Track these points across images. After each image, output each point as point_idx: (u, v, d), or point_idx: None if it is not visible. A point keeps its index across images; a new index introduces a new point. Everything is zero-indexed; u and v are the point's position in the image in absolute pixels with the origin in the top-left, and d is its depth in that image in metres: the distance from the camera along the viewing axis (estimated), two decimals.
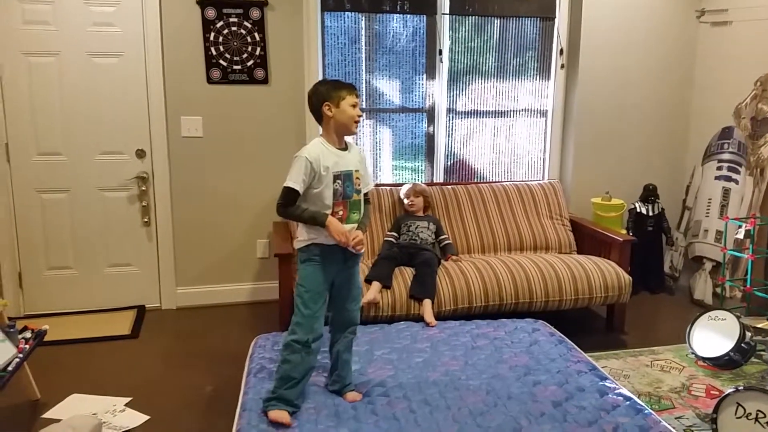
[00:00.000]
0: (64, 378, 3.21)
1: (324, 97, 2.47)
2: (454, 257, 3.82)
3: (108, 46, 3.85)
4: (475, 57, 4.46)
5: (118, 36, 3.86)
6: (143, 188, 4.03)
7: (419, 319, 3.40)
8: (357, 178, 2.53)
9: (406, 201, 4.00)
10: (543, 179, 4.66)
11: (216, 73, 3.98)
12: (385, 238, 3.91)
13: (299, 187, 2.41)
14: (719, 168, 4.31)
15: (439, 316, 3.45)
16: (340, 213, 2.48)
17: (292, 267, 3.50)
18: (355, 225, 2.54)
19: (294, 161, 2.45)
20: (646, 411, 2.44)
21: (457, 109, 4.51)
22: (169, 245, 4.13)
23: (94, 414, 2.82)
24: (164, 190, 4.06)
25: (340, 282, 2.55)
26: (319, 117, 2.51)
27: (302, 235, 2.51)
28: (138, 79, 3.92)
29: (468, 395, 2.57)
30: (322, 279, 2.48)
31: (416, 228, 3.88)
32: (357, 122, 2.51)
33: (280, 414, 2.37)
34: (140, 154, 4.01)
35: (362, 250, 2.55)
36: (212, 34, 3.93)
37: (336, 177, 2.45)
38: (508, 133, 4.60)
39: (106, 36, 3.85)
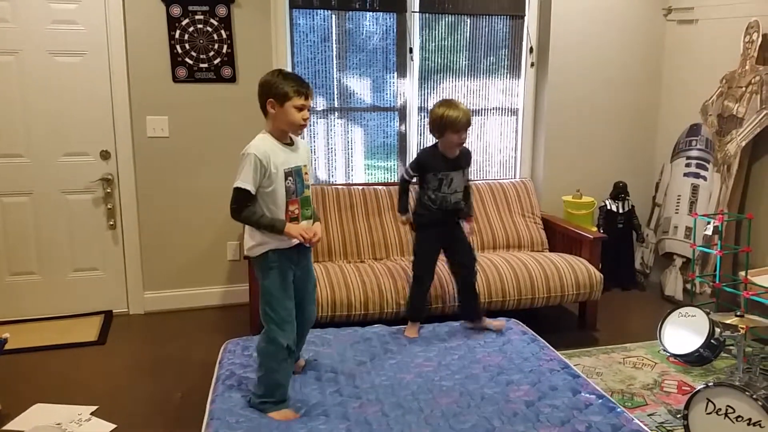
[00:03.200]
0: (27, 387, 3.11)
1: (270, 92, 2.35)
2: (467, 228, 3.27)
3: (70, 44, 3.75)
4: (446, 55, 4.44)
5: (80, 34, 3.76)
6: (108, 190, 3.94)
7: (393, 318, 3.38)
8: (306, 173, 2.45)
9: (454, 137, 3.02)
10: (515, 177, 4.67)
11: (182, 72, 3.89)
12: (419, 206, 3.20)
13: (251, 187, 2.31)
14: (688, 165, 4.36)
15: None
16: (296, 212, 2.41)
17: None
18: (310, 221, 2.49)
19: (242, 159, 2.33)
20: (618, 409, 2.44)
21: (429, 108, 4.48)
22: (136, 249, 4.03)
23: (58, 424, 2.75)
24: (130, 192, 3.96)
25: (297, 280, 2.51)
26: (264, 110, 2.40)
27: (255, 241, 2.42)
28: (101, 78, 3.82)
29: (441, 397, 2.55)
30: (288, 283, 2.45)
31: (451, 183, 3.12)
32: (302, 126, 2.39)
33: (284, 413, 2.41)
34: (105, 155, 3.91)
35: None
36: (177, 31, 3.85)
37: (287, 174, 2.37)
38: (479, 131, 4.60)
39: (67, 34, 3.74)
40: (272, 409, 2.42)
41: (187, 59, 3.89)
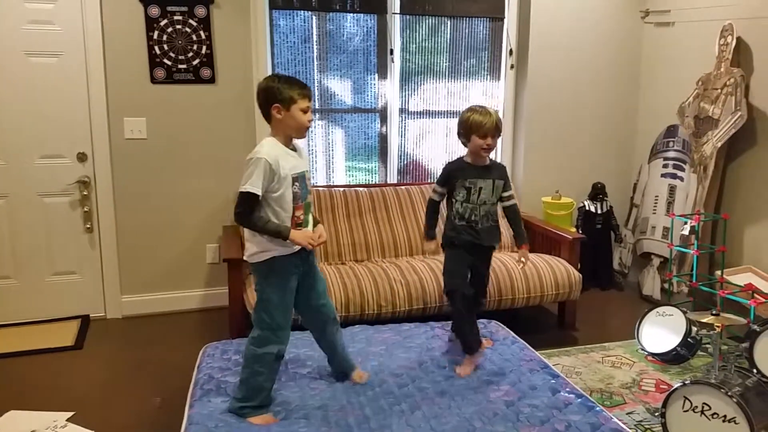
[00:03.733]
0: (1, 394, 3.05)
1: (274, 97, 2.33)
2: (523, 258, 3.02)
3: (46, 45, 3.69)
4: (427, 57, 4.45)
5: (56, 35, 3.70)
6: (85, 193, 3.88)
7: (375, 320, 3.38)
8: (308, 179, 2.47)
9: (480, 141, 2.83)
10: None
11: (160, 73, 3.86)
12: (448, 227, 2.95)
13: (259, 191, 2.28)
14: (665, 166, 4.41)
15: (394, 318, 3.44)
16: (301, 217, 2.41)
17: (243, 273, 3.43)
18: (310, 226, 2.49)
19: (250, 163, 2.29)
20: (597, 408, 2.46)
21: (410, 109, 4.50)
22: (114, 252, 3.98)
23: (33, 431, 2.69)
24: (107, 195, 3.92)
25: (304, 283, 2.51)
26: (268, 116, 2.38)
27: (259, 248, 2.39)
28: (78, 79, 3.77)
29: (422, 398, 2.55)
30: (289, 290, 2.44)
31: (480, 193, 2.90)
32: (307, 128, 2.40)
33: (264, 418, 2.40)
34: (81, 157, 3.86)
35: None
36: (156, 32, 3.81)
37: (294, 179, 2.36)
38: None
39: (43, 34, 3.68)
40: (252, 414, 2.40)
41: (165, 60, 3.85)
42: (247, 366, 2.43)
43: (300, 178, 2.39)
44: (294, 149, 2.43)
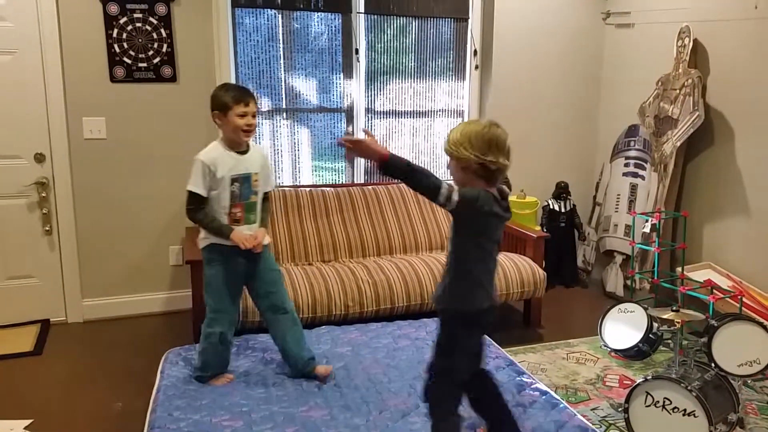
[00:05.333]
0: None
1: (213, 105, 2.59)
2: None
3: None
4: (393, 57, 4.45)
5: (9, 31, 3.59)
6: (43, 194, 3.78)
7: (342, 321, 3.36)
8: (255, 180, 2.64)
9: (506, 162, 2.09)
10: None
11: (120, 72, 3.78)
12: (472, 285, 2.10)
13: (201, 191, 2.52)
14: (626, 165, 4.49)
15: (362, 318, 3.42)
16: (238, 214, 2.61)
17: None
18: (254, 225, 2.67)
19: (193, 164, 2.55)
20: (561, 405, 2.49)
21: (376, 109, 4.49)
22: (74, 255, 3.89)
23: None
24: (66, 196, 3.82)
25: (253, 272, 2.69)
26: (215, 122, 2.63)
27: (203, 234, 2.64)
28: (35, 77, 3.67)
29: (390, 398, 2.55)
30: (227, 277, 2.64)
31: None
32: (246, 131, 2.57)
33: (222, 379, 2.71)
34: (39, 158, 3.75)
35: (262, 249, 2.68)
36: (115, 30, 3.73)
37: (234, 180, 2.57)
38: (426, 132, 4.62)
39: None
40: (209, 379, 2.70)
41: (125, 58, 3.77)
42: (201, 341, 2.71)
43: (243, 179, 2.59)
44: (244, 152, 2.62)
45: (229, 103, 2.54)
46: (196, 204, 2.54)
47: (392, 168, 1.98)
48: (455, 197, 1.98)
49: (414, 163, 2.03)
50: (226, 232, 2.56)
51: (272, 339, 2.79)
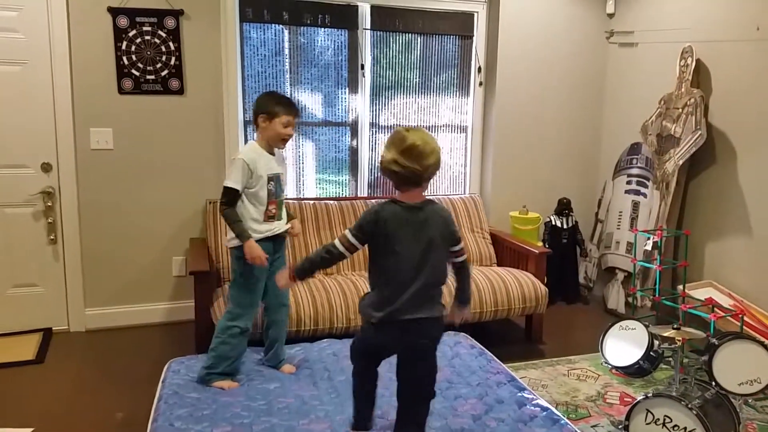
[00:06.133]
0: None
1: (261, 108, 2.75)
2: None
3: (9, 53, 3.63)
4: (398, 72, 4.49)
5: (21, 43, 3.64)
6: (49, 204, 3.81)
7: (344, 334, 3.37)
8: (283, 181, 2.86)
9: None
10: (464, 193, 4.74)
11: (128, 83, 3.82)
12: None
13: (239, 187, 2.68)
14: (629, 182, 4.51)
15: None
16: (273, 210, 2.80)
17: (210, 284, 3.40)
18: (283, 221, 2.87)
19: (232, 163, 2.74)
20: (562, 421, 2.49)
21: (380, 124, 4.53)
22: (77, 264, 3.91)
23: None
24: (72, 206, 3.85)
25: (274, 268, 2.78)
26: (256, 123, 2.77)
27: (232, 235, 2.75)
28: (44, 88, 3.71)
29: (391, 412, 2.55)
30: (256, 273, 2.76)
31: None
32: (285, 140, 2.79)
33: (226, 383, 2.73)
34: (46, 167, 3.79)
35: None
36: (124, 43, 3.78)
37: (270, 179, 2.76)
38: None
39: (7, 42, 3.62)
40: (216, 379, 2.73)
41: (133, 71, 3.82)
42: (217, 336, 2.79)
43: (275, 179, 2.78)
44: (273, 154, 2.81)
45: (279, 112, 2.71)
46: (231, 199, 2.69)
47: (303, 274, 2.32)
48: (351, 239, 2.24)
49: (310, 255, 2.34)
50: (245, 236, 2.69)
51: (267, 329, 2.96)
